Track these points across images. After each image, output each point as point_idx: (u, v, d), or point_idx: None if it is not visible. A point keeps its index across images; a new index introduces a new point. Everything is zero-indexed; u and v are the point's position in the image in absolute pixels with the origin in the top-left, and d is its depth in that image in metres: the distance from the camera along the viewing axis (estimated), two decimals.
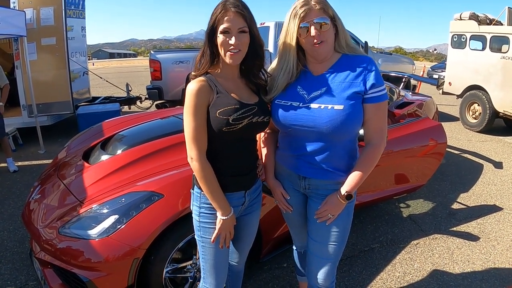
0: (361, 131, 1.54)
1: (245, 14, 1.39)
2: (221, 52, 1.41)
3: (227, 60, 1.41)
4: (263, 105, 1.54)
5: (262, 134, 1.74)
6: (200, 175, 1.43)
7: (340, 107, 1.40)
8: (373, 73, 1.42)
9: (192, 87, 1.39)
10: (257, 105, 1.49)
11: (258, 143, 1.67)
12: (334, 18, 1.44)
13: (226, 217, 1.48)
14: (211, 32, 1.41)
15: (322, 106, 1.43)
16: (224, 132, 1.40)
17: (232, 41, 1.37)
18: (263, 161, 1.74)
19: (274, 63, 1.58)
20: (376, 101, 1.43)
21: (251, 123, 1.45)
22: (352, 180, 1.49)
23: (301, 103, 1.47)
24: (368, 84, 1.41)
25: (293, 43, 1.45)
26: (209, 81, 1.42)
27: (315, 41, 1.40)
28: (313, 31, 1.39)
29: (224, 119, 1.39)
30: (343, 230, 1.62)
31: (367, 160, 1.50)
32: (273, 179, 1.72)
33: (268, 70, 1.60)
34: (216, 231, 1.50)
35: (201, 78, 1.43)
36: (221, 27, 1.37)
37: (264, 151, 1.75)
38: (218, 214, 1.48)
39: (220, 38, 1.38)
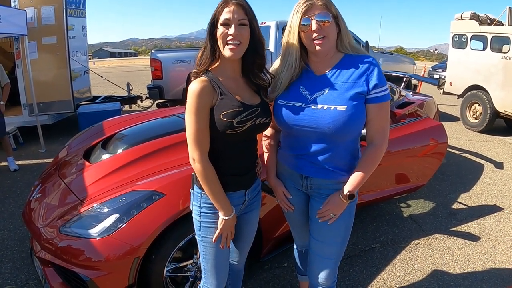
0: (363, 131, 1.54)
1: (246, 7, 1.39)
2: (220, 45, 1.40)
3: (227, 53, 1.39)
4: (265, 106, 1.53)
5: (264, 133, 1.74)
6: (203, 176, 1.42)
7: (343, 107, 1.40)
8: (376, 73, 1.42)
9: (194, 88, 1.37)
10: (260, 106, 1.48)
11: (258, 142, 1.67)
12: (337, 17, 1.44)
13: (228, 217, 1.47)
14: (212, 26, 1.40)
15: (325, 106, 1.43)
16: (228, 134, 1.40)
17: (231, 31, 1.35)
18: (265, 161, 1.74)
19: (277, 61, 1.58)
20: (379, 101, 1.43)
21: (254, 124, 1.44)
22: (354, 179, 1.49)
23: (304, 104, 1.47)
24: (371, 85, 1.41)
25: (296, 38, 1.45)
26: (212, 82, 1.41)
27: (315, 35, 1.40)
28: (314, 25, 1.39)
29: (228, 122, 1.38)
30: (345, 229, 1.62)
31: (369, 160, 1.50)
32: (275, 178, 1.72)
33: (271, 68, 1.60)
34: (217, 231, 1.50)
35: (203, 78, 1.41)
36: (221, 19, 1.37)
37: (265, 151, 1.75)
38: (220, 214, 1.48)
39: (220, 29, 1.38)
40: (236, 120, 1.38)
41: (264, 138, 1.76)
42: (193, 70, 1.47)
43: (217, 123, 1.38)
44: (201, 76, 1.43)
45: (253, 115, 1.43)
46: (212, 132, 1.41)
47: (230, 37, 1.36)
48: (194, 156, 1.41)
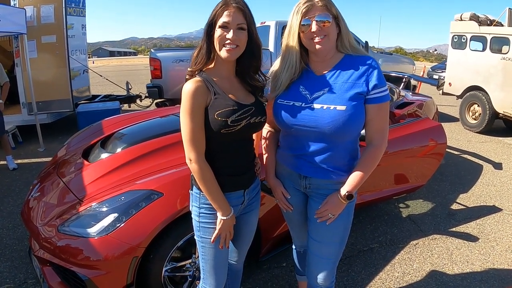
0: (363, 131, 1.55)
1: (246, 11, 1.39)
2: (217, 46, 1.40)
3: (223, 54, 1.39)
4: (260, 105, 1.53)
5: (264, 133, 1.74)
6: (200, 177, 1.42)
7: (343, 107, 1.40)
8: (375, 73, 1.42)
9: (188, 88, 1.37)
10: (254, 105, 1.49)
11: (255, 141, 1.67)
12: (337, 17, 1.44)
13: (226, 217, 1.47)
14: (210, 26, 1.40)
15: (325, 106, 1.43)
16: (223, 133, 1.40)
17: (230, 35, 1.36)
18: (264, 160, 1.74)
19: (277, 62, 1.58)
20: (378, 102, 1.43)
21: (249, 123, 1.44)
22: (353, 180, 1.49)
23: (304, 103, 1.47)
24: (371, 85, 1.41)
25: (296, 39, 1.45)
26: (206, 82, 1.41)
27: (315, 36, 1.40)
28: (314, 26, 1.39)
29: (223, 121, 1.38)
30: (344, 230, 1.62)
31: (368, 160, 1.50)
32: (274, 178, 1.72)
33: (272, 68, 1.60)
34: (216, 231, 1.50)
35: (197, 78, 1.41)
36: (220, 21, 1.37)
37: (264, 151, 1.75)
38: (219, 214, 1.48)
39: (218, 32, 1.38)
40: (231, 119, 1.39)
41: (263, 138, 1.76)
42: (188, 69, 1.47)
43: (212, 122, 1.39)
44: (195, 76, 1.43)
45: (248, 114, 1.43)
46: (207, 132, 1.41)
47: (228, 41, 1.37)
48: (190, 156, 1.41)
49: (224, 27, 1.37)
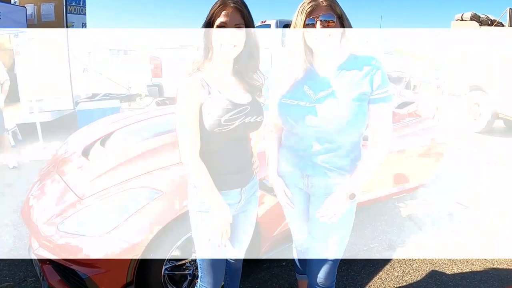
0: (365, 131, 1.55)
1: (244, 11, 1.39)
2: (215, 46, 1.40)
3: (220, 54, 1.40)
4: (256, 105, 1.53)
5: (266, 132, 1.74)
6: (194, 175, 1.43)
7: (346, 107, 1.40)
8: (379, 74, 1.42)
9: (184, 87, 1.38)
10: (250, 105, 1.48)
11: (254, 140, 1.67)
12: (341, 17, 1.44)
13: (222, 216, 1.47)
14: (208, 26, 1.40)
15: (328, 106, 1.43)
16: (216, 132, 1.40)
17: (227, 35, 1.36)
18: (267, 159, 1.74)
19: (281, 61, 1.58)
20: (382, 102, 1.43)
21: (243, 123, 1.44)
22: (355, 179, 1.49)
23: (308, 103, 1.47)
24: (375, 85, 1.41)
25: (300, 39, 1.45)
26: (201, 80, 1.41)
27: (320, 35, 1.40)
28: (318, 26, 1.39)
29: (216, 120, 1.38)
30: (345, 229, 1.62)
31: (371, 160, 1.50)
32: (276, 176, 1.72)
33: (275, 68, 1.60)
34: (213, 230, 1.50)
35: (194, 77, 1.42)
36: (217, 21, 1.36)
37: (267, 149, 1.75)
38: (215, 212, 1.48)
39: (215, 32, 1.38)
40: (224, 118, 1.39)
41: (266, 136, 1.76)
42: (186, 68, 1.47)
43: (205, 121, 1.39)
44: (192, 74, 1.43)
45: (242, 113, 1.43)
46: (201, 131, 1.41)
47: (225, 41, 1.37)
48: (184, 154, 1.41)
49: (222, 27, 1.36)
